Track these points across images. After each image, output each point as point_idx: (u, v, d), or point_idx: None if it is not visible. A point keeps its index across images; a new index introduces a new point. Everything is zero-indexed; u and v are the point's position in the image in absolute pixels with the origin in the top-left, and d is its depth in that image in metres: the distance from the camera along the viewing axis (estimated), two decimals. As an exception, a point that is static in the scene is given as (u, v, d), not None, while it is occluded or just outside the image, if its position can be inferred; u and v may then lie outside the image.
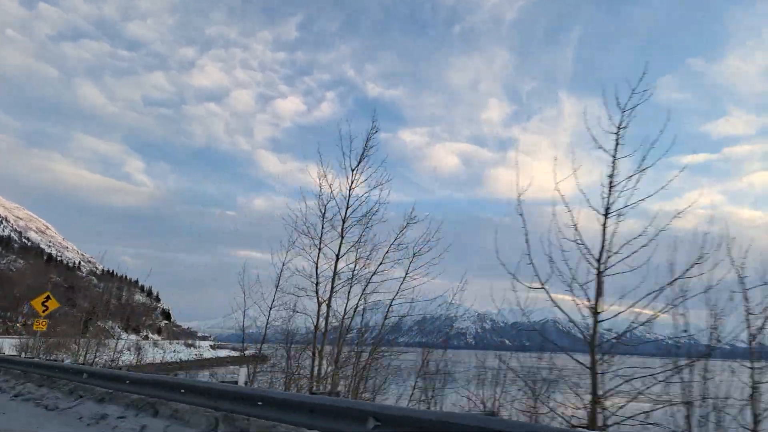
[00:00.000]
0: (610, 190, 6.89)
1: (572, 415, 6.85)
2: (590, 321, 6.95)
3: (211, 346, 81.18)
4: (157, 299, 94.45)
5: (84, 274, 78.69)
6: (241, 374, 8.62)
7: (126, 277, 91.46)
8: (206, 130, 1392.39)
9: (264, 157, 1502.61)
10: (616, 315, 7.20)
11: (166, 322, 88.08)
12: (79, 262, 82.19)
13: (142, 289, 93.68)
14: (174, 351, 60.16)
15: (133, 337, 62.79)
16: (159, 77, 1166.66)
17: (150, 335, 71.55)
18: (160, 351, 56.67)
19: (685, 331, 7.01)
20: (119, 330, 60.97)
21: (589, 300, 6.87)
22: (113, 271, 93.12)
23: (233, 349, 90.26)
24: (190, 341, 74.25)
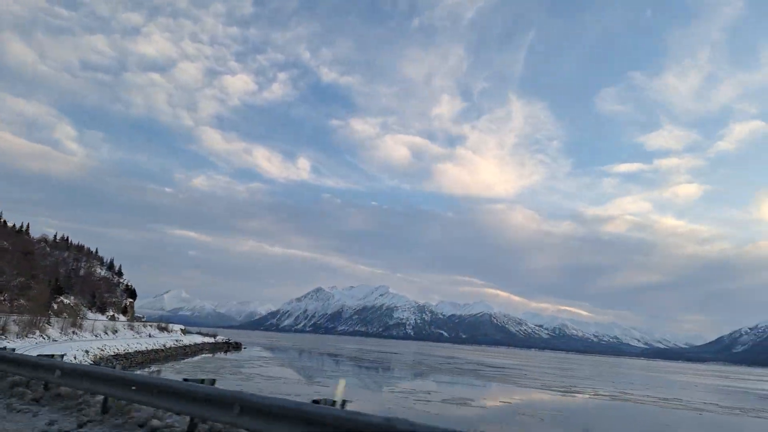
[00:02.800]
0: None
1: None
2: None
3: (181, 330, 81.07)
4: (120, 274, 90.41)
5: (34, 239, 74.11)
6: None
7: (84, 246, 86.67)
8: (147, 100, 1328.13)
9: (207, 134, 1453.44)
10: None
11: (131, 300, 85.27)
12: (28, 225, 77.19)
13: (101, 261, 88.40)
14: (150, 335, 59.78)
15: (100, 316, 61.86)
16: (99, 40, 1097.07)
17: (116, 315, 69.93)
18: (135, 335, 56.44)
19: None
20: (84, 308, 59.78)
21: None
22: (68, 238, 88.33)
23: (199, 333, 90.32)
24: (163, 325, 74.00)
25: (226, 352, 73.52)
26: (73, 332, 43.86)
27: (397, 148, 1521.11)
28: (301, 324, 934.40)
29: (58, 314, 54.52)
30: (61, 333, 41.54)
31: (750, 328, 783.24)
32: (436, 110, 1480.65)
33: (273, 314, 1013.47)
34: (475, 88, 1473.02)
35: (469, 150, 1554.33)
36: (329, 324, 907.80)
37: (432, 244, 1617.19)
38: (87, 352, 33.88)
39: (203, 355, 60.73)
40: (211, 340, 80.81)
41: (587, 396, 39.34)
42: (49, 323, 41.45)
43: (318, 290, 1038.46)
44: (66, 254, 77.31)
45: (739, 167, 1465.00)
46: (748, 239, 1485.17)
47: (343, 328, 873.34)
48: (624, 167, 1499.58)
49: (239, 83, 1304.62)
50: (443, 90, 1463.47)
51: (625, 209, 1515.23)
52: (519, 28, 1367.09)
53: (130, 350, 42.16)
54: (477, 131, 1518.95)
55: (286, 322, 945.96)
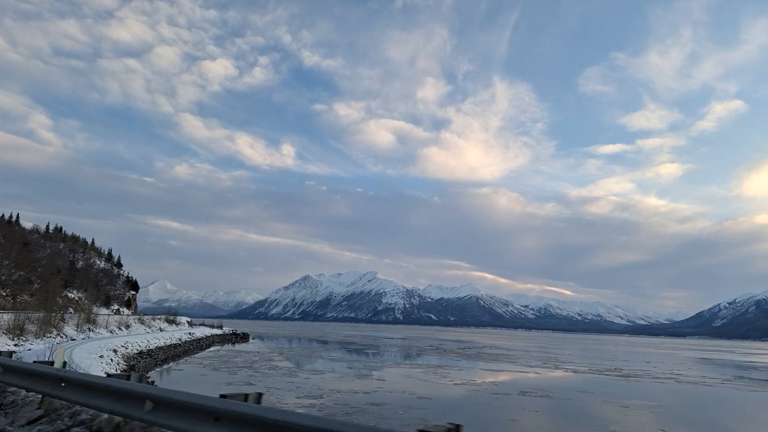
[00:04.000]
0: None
1: None
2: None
3: (188, 322, 77.47)
4: (119, 265, 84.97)
5: (26, 230, 69.53)
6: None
7: (80, 237, 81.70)
8: (124, 87, 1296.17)
9: (188, 121, 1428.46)
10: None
11: (133, 293, 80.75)
12: (17, 215, 72.06)
13: (98, 252, 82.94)
14: (161, 329, 56.36)
15: (104, 311, 58.00)
16: (71, 26, 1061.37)
17: (120, 309, 66.02)
18: (147, 329, 52.97)
19: None
20: (88, 302, 55.78)
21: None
22: (62, 229, 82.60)
23: (203, 324, 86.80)
24: (171, 318, 70.47)
25: (234, 343, 70.81)
26: (89, 329, 40.31)
27: (381, 133, 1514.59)
28: (290, 312, 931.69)
29: (62, 310, 50.73)
30: (77, 330, 38.02)
31: (729, 303, 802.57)
32: (421, 93, 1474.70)
33: (261, 303, 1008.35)
34: (459, 70, 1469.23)
35: (453, 134, 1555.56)
36: (318, 311, 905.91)
37: (418, 228, 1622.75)
38: (115, 351, 30.54)
39: (215, 348, 58.21)
40: (219, 331, 77.85)
41: (649, 379, 37.19)
42: (63, 320, 37.86)
43: (306, 278, 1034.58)
44: (62, 246, 72.79)
45: (719, 146, 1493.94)
46: (728, 216, 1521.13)
47: (332, 314, 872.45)
48: (608, 148, 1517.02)
49: (219, 68, 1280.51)
50: (427, 72, 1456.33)
51: (609, 190, 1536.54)
52: (502, 8, 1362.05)
53: (151, 346, 39.00)
54: (462, 114, 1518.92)
55: (274, 311, 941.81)
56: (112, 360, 25.59)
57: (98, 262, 76.85)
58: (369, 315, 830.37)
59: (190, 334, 57.04)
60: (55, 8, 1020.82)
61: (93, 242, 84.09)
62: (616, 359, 64.24)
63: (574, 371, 42.19)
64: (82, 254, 74.14)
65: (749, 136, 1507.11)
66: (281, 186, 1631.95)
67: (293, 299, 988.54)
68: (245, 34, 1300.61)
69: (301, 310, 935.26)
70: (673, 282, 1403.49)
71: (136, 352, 34.46)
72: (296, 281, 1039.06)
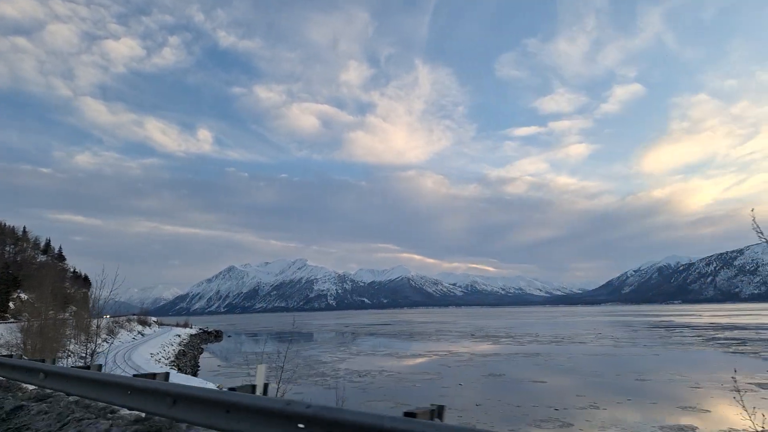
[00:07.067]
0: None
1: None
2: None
3: (156, 322, 69.26)
4: (61, 257, 73.05)
5: None
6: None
7: (5, 224, 68.40)
8: (11, 68, 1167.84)
9: (89, 105, 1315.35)
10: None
11: (85, 291, 69.54)
12: None
13: (34, 244, 70.21)
14: (140, 333, 48.86)
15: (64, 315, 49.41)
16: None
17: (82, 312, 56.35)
18: (128, 333, 45.56)
19: None
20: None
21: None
22: None
23: (163, 324, 78.43)
24: (143, 318, 62.18)
25: (207, 342, 65.28)
26: (86, 339, 33.34)
27: (305, 117, 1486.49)
28: (215, 305, 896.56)
29: (16, 315, 42.54)
30: (76, 343, 31.14)
31: (634, 271, 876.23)
32: (344, 76, 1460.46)
33: (182, 298, 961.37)
34: (382, 53, 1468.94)
35: (379, 117, 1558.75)
36: (246, 303, 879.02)
37: (346, 213, 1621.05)
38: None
39: (209, 347, 52.83)
40: (192, 330, 71.50)
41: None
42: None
43: (230, 269, 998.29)
44: (-5, 236, 61.55)
45: (621, 126, 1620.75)
46: (629, 192, 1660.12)
47: (261, 305, 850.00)
48: (523, 130, 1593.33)
49: (123, 48, 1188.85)
50: (350, 56, 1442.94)
51: (525, 170, 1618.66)
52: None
53: (170, 355, 33.13)
54: (386, 98, 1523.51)
55: (197, 305, 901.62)
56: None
57: (36, 255, 65.48)
58: (301, 303, 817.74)
59: (178, 335, 50.65)
60: None
61: (24, 230, 70.81)
62: (598, 334, 65.58)
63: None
64: (13, 246, 62.77)
65: (646, 117, 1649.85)
66: (199, 174, 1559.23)
67: (218, 292, 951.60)
68: (152, 12, 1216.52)
69: (227, 303, 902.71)
70: (584, 254, 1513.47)
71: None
72: (220, 273, 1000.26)
